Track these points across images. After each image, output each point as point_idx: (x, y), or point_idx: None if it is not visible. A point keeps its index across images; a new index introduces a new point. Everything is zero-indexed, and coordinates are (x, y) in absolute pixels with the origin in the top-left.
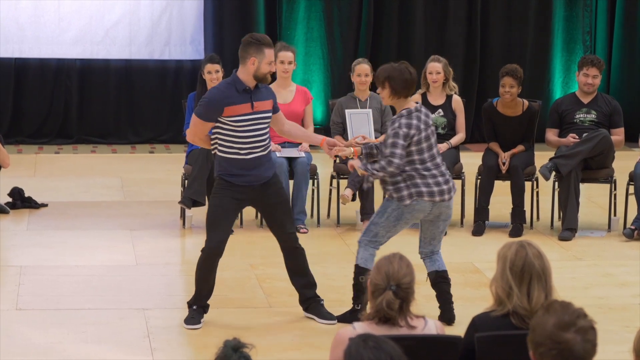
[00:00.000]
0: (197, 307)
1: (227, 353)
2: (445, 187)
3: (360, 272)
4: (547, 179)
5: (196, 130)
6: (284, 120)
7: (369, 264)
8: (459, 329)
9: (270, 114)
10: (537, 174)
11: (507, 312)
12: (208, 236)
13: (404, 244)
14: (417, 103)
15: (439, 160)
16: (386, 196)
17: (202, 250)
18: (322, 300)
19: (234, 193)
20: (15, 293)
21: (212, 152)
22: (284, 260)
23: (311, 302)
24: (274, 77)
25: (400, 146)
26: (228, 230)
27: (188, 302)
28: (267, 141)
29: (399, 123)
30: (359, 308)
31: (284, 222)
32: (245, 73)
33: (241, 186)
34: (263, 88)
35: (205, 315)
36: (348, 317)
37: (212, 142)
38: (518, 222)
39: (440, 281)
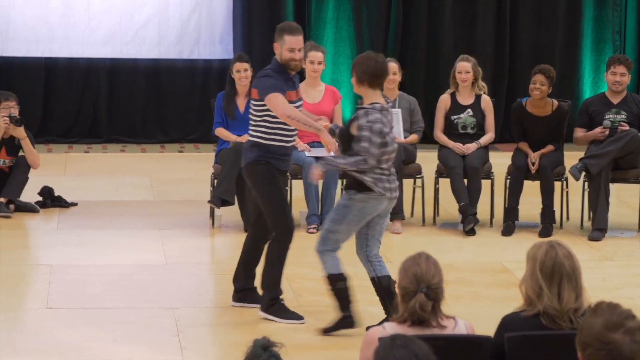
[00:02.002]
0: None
1: (257, 352)
2: (394, 185)
3: (336, 278)
4: (577, 179)
5: (284, 104)
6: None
7: (340, 268)
8: (488, 329)
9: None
10: (567, 174)
11: (537, 312)
12: (278, 223)
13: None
14: (388, 101)
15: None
16: (344, 193)
17: (277, 240)
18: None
19: (280, 176)
20: (45, 292)
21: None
22: (250, 245)
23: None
24: (303, 76)
25: (376, 143)
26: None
27: (273, 297)
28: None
29: (374, 117)
30: (347, 314)
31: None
32: (277, 61)
33: (282, 171)
34: (295, 78)
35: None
36: (341, 325)
37: (255, 129)
38: (547, 222)
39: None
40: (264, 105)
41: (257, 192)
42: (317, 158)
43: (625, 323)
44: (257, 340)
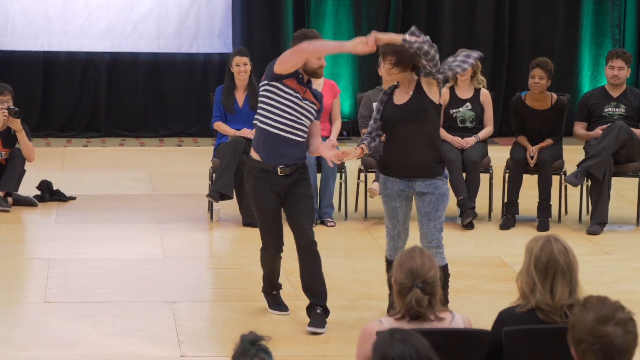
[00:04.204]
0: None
1: (245, 347)
2: None
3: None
4: (576, 185)
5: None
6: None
7: None
8: (487, 323)
9: (315, 110)
10: (565, 168)
11: (531, 307)
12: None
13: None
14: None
15: None
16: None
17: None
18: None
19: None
20: (43, 286)
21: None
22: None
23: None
24: None
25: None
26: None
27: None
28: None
29: None
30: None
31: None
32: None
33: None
34: (316, 91)
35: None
36: None
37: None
38: (544, 216)
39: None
40: None
41: None
42: None
43: (616, 315)
44: (244, 336)
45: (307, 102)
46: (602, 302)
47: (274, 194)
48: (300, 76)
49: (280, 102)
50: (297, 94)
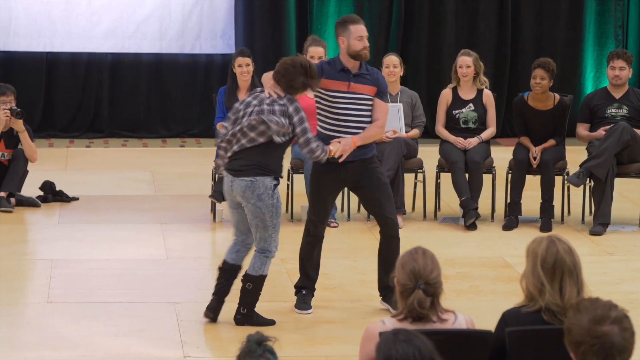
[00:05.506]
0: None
1: (252, 347)
2: None
3: (264, 280)
4: (578, 186)
5: None
6: (377, 115)
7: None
8: (490, 324)
9: (370, 98)
10: (568, 168)
11: (539, 308)
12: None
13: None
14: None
15: None
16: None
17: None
18: None
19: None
20: (46, 286)
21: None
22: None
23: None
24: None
25: None
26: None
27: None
28: (366, 124)
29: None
30: (244, 312)
31: (383, 204)
32: (342, 55)
33: (341, 164)
34: (369, 74)
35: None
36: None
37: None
38: (547, 217)
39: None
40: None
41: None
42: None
43: (611, 314)
44: (250, 336)
45: (352, 95)
46: (594, 303)
47: (334, 181)
48: (345, 69)
49: (323, 107)
50: (337, 92)
